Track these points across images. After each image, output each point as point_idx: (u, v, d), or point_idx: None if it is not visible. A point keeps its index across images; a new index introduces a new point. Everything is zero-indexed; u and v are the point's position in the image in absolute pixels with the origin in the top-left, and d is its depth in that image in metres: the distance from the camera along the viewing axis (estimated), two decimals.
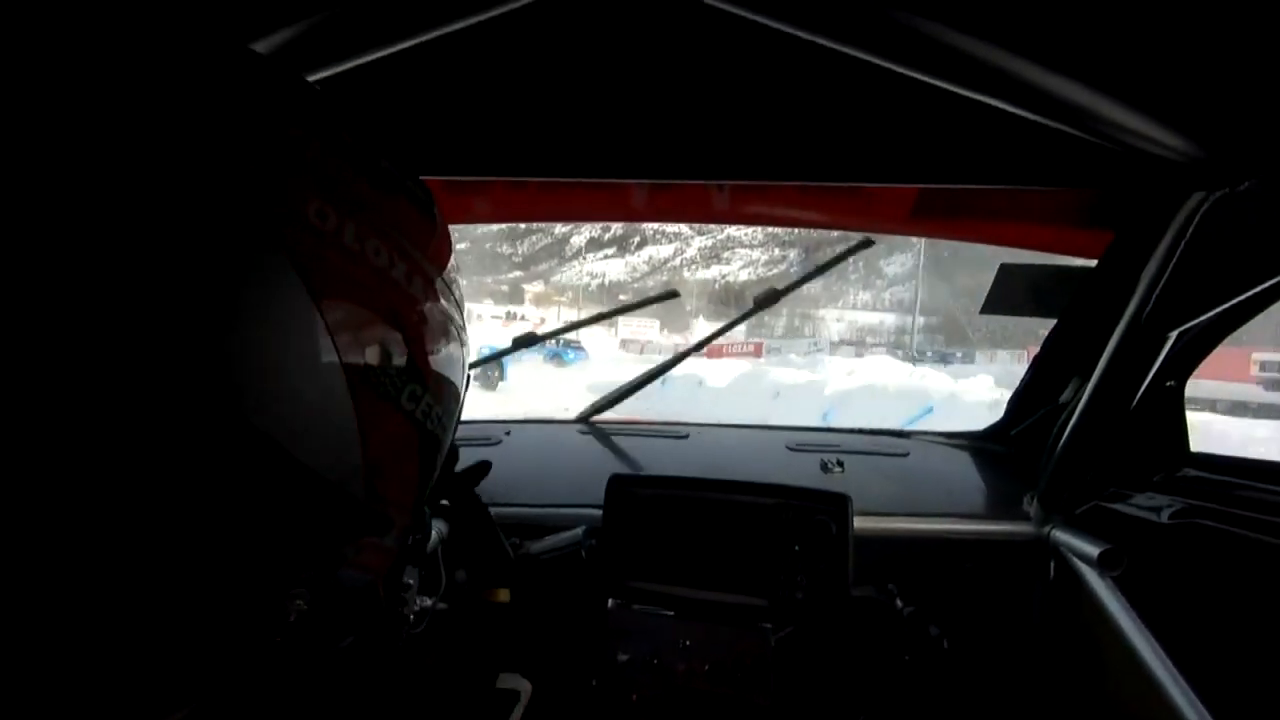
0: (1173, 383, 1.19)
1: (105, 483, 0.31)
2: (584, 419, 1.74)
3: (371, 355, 0.39)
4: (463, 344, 0.49)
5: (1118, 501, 1.21)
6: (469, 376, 0.52)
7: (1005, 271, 1.38)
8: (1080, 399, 1.20)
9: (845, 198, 1.30)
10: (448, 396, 0.46)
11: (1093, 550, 1.11)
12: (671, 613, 1.09)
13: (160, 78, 0.34)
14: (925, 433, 1.70)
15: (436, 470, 0.48)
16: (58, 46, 0.32)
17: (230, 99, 0.36)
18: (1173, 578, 1.10)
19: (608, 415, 1.76)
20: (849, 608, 1.04)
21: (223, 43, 0.38)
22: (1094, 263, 1.26)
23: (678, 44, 0.94)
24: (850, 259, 1.58)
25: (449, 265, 0.47)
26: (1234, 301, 0.95)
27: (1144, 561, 1.11)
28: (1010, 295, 1.39)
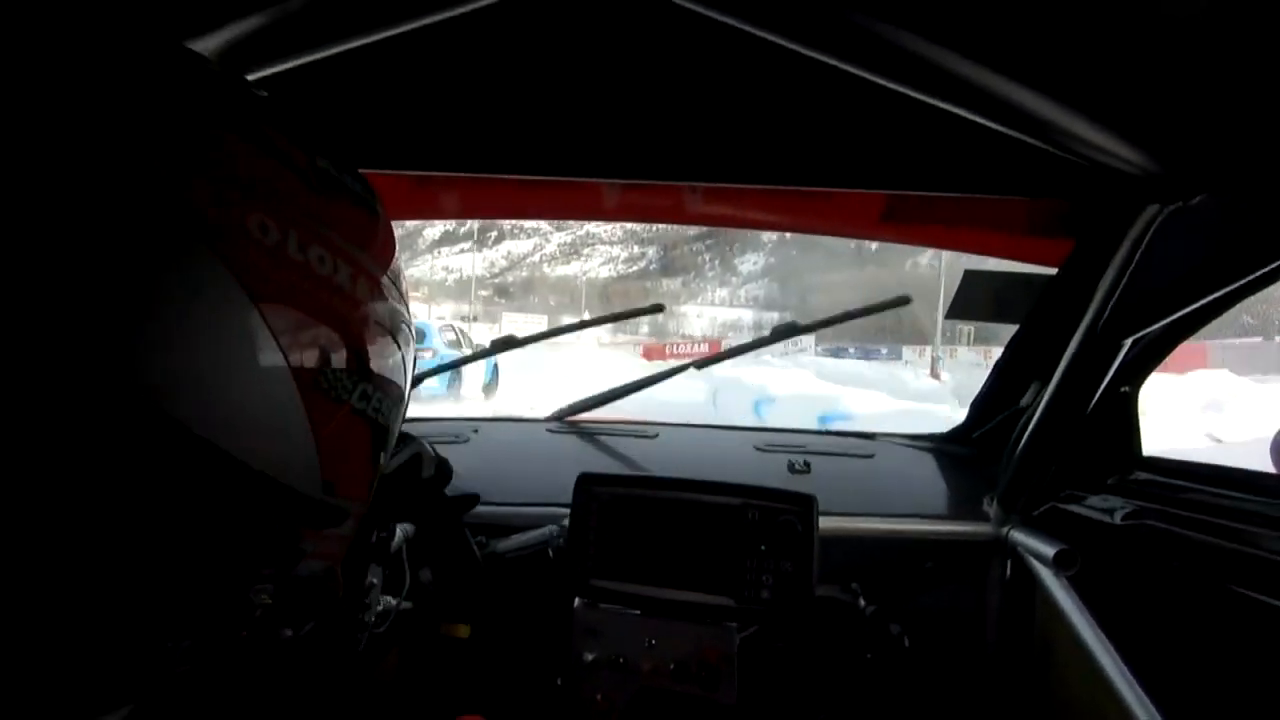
0: (1126, 388, 1.23)
1: (44, 492, 0.31)
2: (554, 418, 1.74)
3: (321, 362, 0.39)
4: (409, 338, 0.50)
5: (1073, 503, 1.24)
6: (415, 365, 0.53)
7: (970, 278, 1.40)
8: (1039, 403, 1.23)
9: (814, 202, 1.31)
10: (395, 390, 0.47)
11: (1048, 550, 1.13)
12: (638, 612, 1.10)
13: (89, 79, 0.33)
14: (891, 435, 1.73)
15: (388, 456, 0.49)
16: None
17: (162, 105, 0.35)
18: (1124, 577, 1.14)
19: (577, 414, 1.76)
20: (813, 607, 1.05)
21: (156, 42, 0.37)
22: (1055, 270, 1.30)
23: (648, 44, 0.94)
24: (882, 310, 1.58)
25: (393, 260, 0.47)
26: (1185, 311, 0.98)
27: (1097, 561, 1.14)
28: (975, 301, 1.42)
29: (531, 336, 1.64)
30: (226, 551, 0.38)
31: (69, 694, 0.35)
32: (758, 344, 1.73)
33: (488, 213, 1.45)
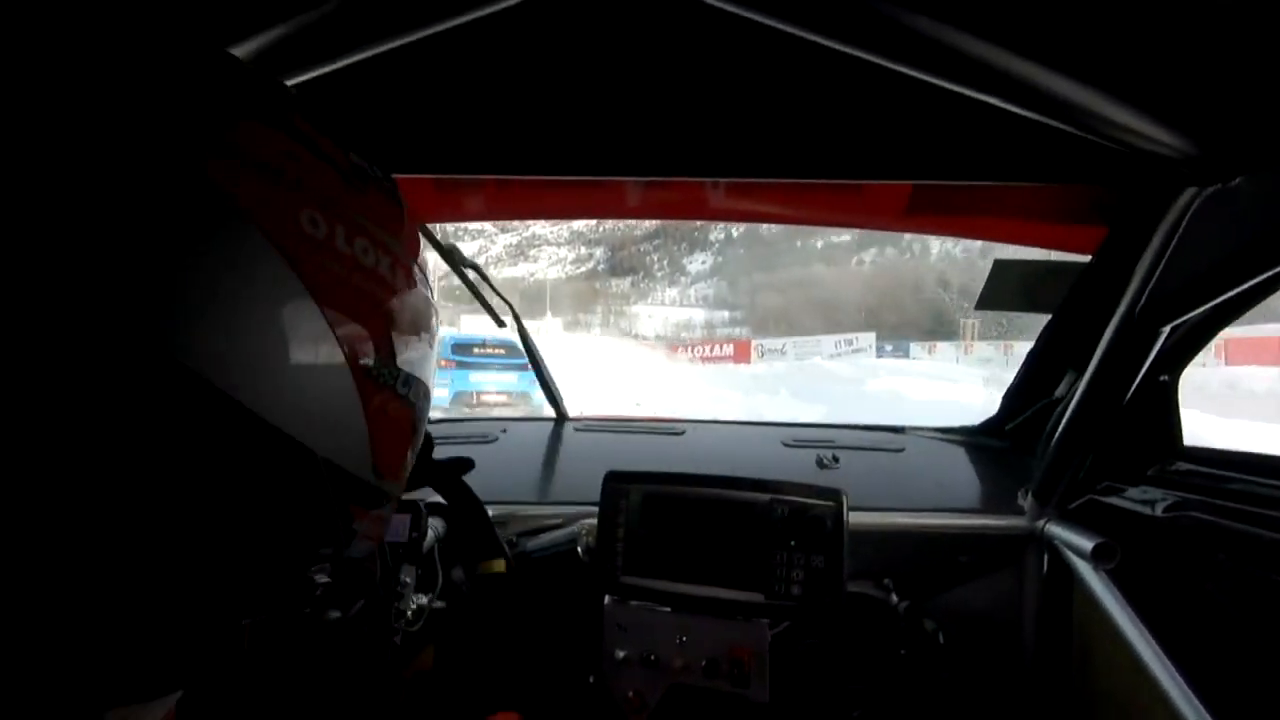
0: (1165, 377, 1.20)
1: (125, 481, 0.33)
2: (576, 417, 1.74)
3: (370, 349, 0.42)
4: (437, 326, 0.52)
5: (1111, 495, 1.22)
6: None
7: (1000, 267, 1.38)
8: (1074, 394, 1.20)
9: (840, 194, 1.30)
10: (429, 372, 0.50)
11: (1086, 544, 1.11)
12: (668, 609, 1.10)
13: (139, 87, 0.35)
14: (920, 428, 1.71)
15: (419, 441, 0.51)
16: (42, 52, 0.32)
17: (215, 109, 0.37)
18: (1166, 570, 1.11)
19: (603, 412, 1.76)
20: (845, 603, 1.04)
21: (202, 50, 0.39)
22: (1088, 258, 1.27)
23: (671, 41, 0.94)
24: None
25: (419, 249, 0.50)
26: (1225, 297, 0.95)
27: (1137, 555, 1.11)
28: (1004, 291, 1.39)
29: None
30: (292, 531, 0.40)
31: (132, 672, 0.37)
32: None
33: (510, 213, 1.46)
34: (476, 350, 11.05)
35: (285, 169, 0.38)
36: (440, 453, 1.02)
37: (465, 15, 0.77)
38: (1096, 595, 1.14)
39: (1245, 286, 0.92)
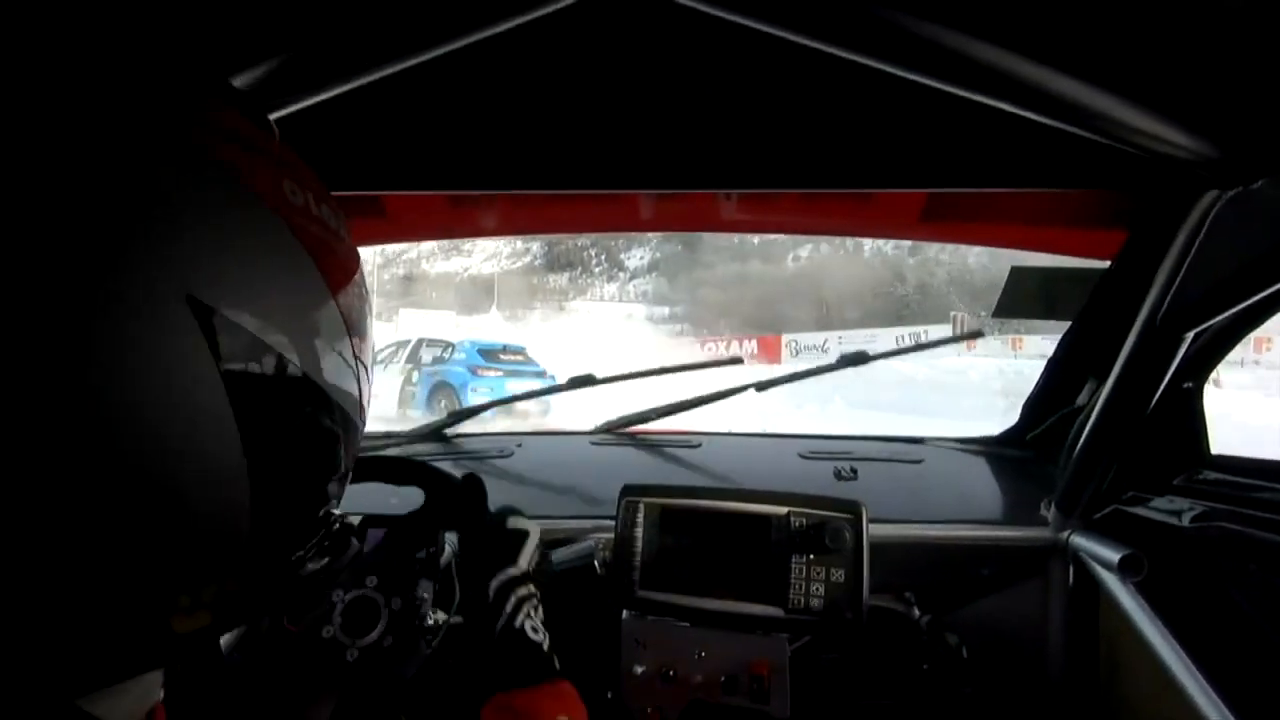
0: (1190, 384, 1.18)
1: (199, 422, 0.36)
2: (597, 431, 1.74)
3: (355, 309, 0.46)
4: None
5: (1137, 505, 1.19)
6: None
7: (1017, 274, 1.37)
8: (1097, 402, 1.18)
9: (854, 203, 1.29)
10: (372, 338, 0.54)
11: (1113, 555, 1.09)
12: (686, 624, 1.09)
13: (127, 82, 0.37)
14: (940, 438, 1.69)
15: None
16: (45, 69, 0.35)
17: (193, 96, 0.40)
18: (1195, 582, 1.08)
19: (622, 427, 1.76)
20: (865, 617, 1.03)
21: (188, 63, 0.42)
22: (1107, 263, 1.25)
23: (683, 53, 0.94)
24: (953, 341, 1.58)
25: None
26: (1249, 301, 0.94)
27: (1166, 566, 1.09)
28: (1023, 298, 1.38)
29: (610, 378, 1.70)
30: (321, 464, 0.45)
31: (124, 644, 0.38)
32: (822, 370, 1.70)
33: (523, 228, 1.47)
34: (502, 357, 10.89)
35: (261, 145, 0.42)
36: (457, 467, 1.02)
37: (470, 36, 0.77)
38: (1124, 608, 1.11)
39: (1270, 291, 0.90)
